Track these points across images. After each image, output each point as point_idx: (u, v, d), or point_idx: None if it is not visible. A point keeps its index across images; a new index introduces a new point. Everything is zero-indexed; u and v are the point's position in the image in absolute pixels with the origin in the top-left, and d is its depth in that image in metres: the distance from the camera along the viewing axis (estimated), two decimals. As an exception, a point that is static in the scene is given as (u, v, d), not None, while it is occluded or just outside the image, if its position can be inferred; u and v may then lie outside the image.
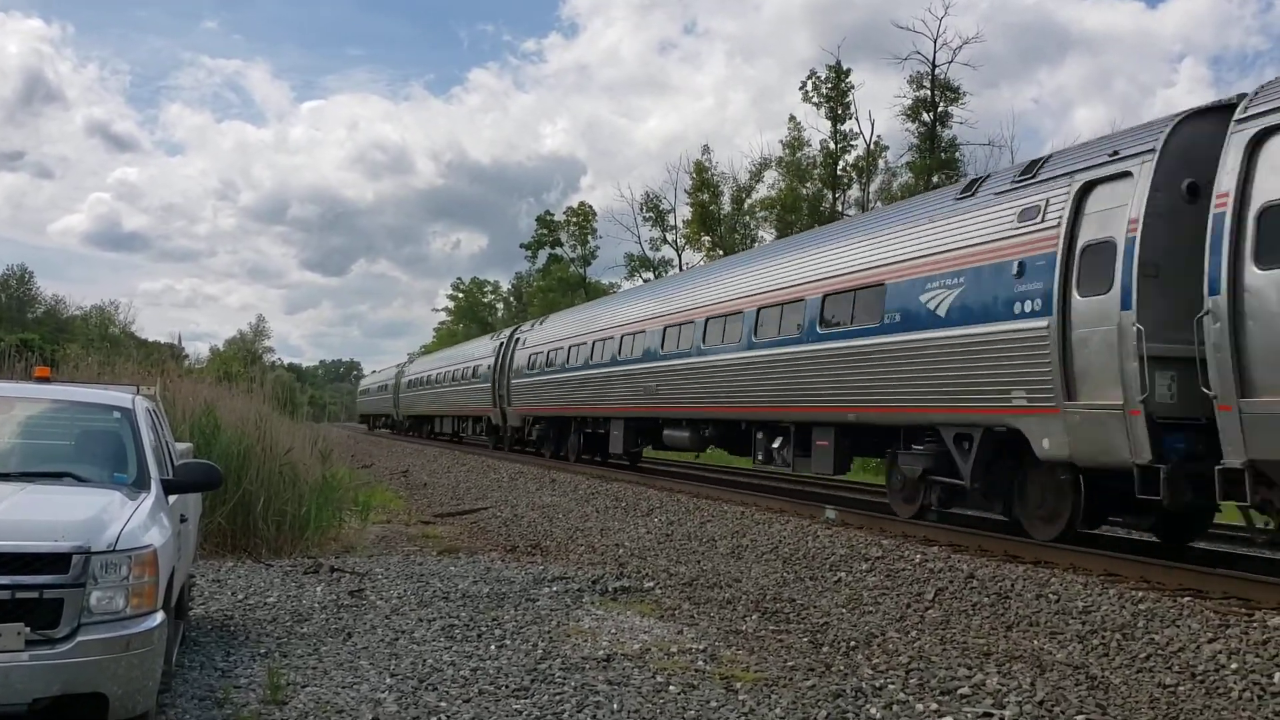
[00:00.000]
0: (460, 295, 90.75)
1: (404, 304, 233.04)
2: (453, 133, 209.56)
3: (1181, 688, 6.08)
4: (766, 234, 46.72)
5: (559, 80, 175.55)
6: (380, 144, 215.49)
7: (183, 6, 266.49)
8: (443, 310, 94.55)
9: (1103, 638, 7.10)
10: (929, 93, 40.69)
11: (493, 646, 7.04)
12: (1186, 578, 8.48)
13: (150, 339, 60.27)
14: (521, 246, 72.95)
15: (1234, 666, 6.22)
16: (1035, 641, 7.27)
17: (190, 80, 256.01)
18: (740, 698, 5.90)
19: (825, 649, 7.17)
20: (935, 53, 39.98)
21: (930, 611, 8.27)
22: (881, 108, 69.32)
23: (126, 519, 4.72)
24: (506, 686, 6.02)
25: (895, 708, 5.74)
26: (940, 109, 40.90)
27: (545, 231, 70.46)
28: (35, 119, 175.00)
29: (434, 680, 6.13)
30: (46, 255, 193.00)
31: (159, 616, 4.60)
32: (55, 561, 4.33)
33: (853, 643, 7.29)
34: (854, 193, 45.74)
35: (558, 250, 69.63)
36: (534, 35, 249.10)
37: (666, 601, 8.92)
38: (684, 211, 53.38)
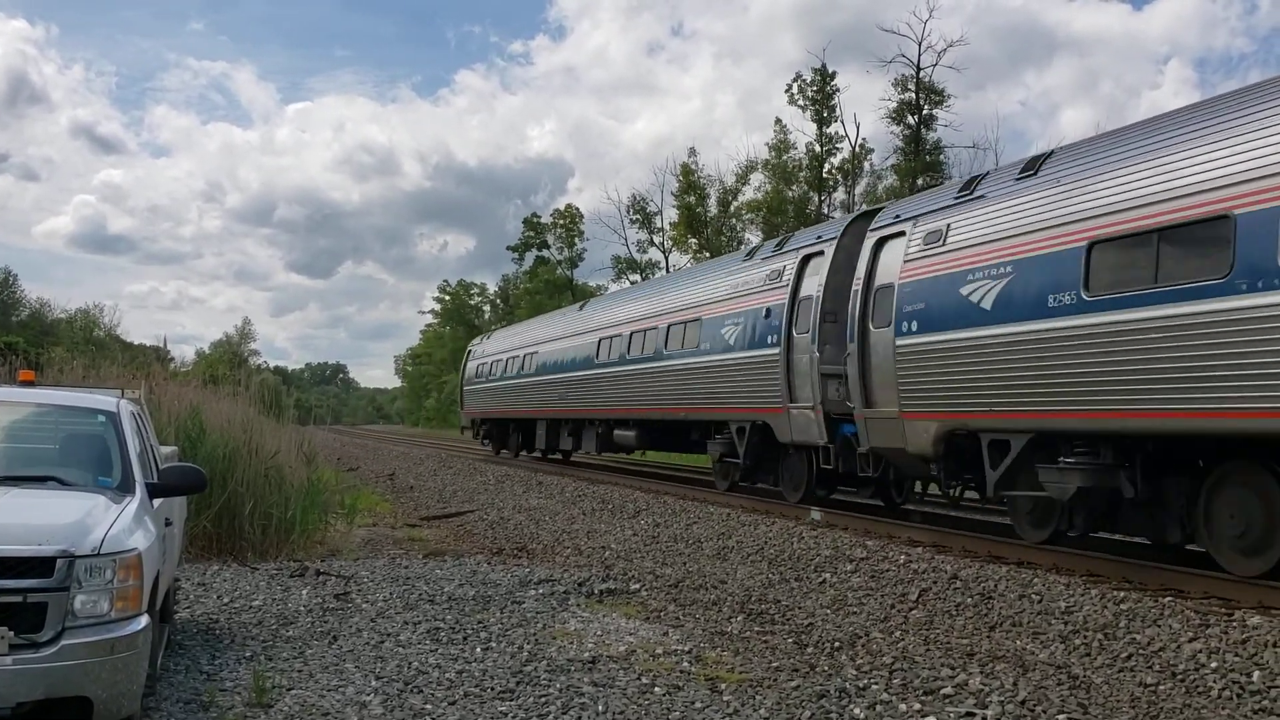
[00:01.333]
0: (447, 297, 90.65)
1: (391, 306, 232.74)
2: (440, 134, 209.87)
3: (1162, 687, 6.14)
4: (753, 236, 46.83)
5: (546, 82, 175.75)
6: (367, 146, 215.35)
7: (168, 8, 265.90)
8: (429, 312, 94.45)
9: (1085, 638, 7.16)
10: (914, 95, 40.89)
11: (478, 649, 7.05)
12: (1167, 578, 8.57)
13: (135, 342, 59.77)
14: (508, 249, 73.07)
15: (1214, 665, 6.28)
16: (1018, 642, 7.32)
17: (176, 82, 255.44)
18: (725, 698, 5.93)
19: (810, 650, 7.21)
20: (920, 55, 40.24)
21: (914, 612, 8.32)
22: (867, 110, 69.92)
23: (111, 523, 4.71)
24: (492, 689, 6.03)
25: (879, 708, 5.78)
26: (925, 112, 41.11)
27: (532, 234, 70.53)
28: (19, 121, 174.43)
29: (419, 683, 6.14)
30: (31, 258, 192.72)
31: (144, 620, 4.61)
32: (39, 565, 4.33)
33: (837, 643, 7.32)
34: (839, 195, 45.94)
35: (545, 252, 69.70)
36: (521, 37, 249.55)
37: (652, 603, 8.95)
38: (671, 214, 53.54)
